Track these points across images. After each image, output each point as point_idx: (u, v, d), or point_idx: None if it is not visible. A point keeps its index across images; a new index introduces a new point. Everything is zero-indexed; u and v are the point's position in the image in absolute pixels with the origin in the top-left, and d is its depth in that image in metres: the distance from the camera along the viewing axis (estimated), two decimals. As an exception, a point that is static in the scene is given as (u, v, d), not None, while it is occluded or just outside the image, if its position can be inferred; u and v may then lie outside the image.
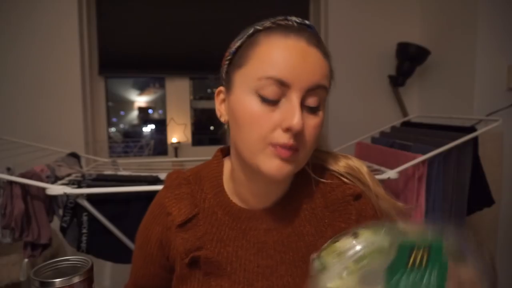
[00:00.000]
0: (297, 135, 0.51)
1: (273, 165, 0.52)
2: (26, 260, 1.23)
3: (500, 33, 1.87)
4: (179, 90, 2.32)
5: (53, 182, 1.30)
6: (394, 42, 2.25)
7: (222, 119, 0.59)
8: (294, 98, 0.50)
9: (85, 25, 2.03)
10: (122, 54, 2.17)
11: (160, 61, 2.22)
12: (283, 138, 0.51)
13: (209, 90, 2.45)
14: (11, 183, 1.19)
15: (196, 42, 2.22)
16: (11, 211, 1.18)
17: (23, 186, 1.21)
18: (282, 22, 0.55)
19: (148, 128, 2.40)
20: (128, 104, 2.38)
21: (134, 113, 2.41)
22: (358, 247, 0.40)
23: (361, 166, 0.64)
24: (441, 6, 2.17)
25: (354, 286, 0.38)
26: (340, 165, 0.64)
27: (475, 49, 1.88)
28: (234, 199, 0.62)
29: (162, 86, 2.33)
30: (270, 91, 0.51)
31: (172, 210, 0.62)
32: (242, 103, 0.53)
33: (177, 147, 2.31)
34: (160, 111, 2.40)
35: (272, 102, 0.51)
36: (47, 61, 1.93)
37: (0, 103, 1.89)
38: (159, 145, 2.38)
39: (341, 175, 0.63)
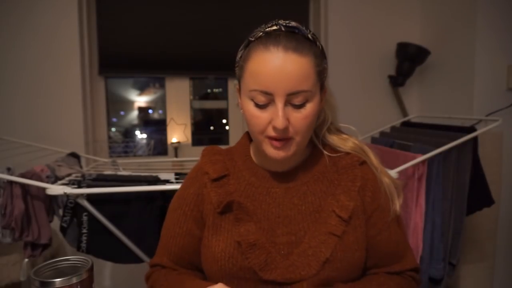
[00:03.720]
0: (286, 129, 0.66)
1: (270, 151, 0.69)
2: (26, 260, 1.23)
3: (500, 33, 1.87)
4: (179, 90, 2.32)
5: (53, 182, 1.30)
6: (394, 42, 2.26)
7: (240, 110, 0.74)
8: (277, 103, 0.65)
9: (85, 25, 2.03)
10: (122, 54, 2.17)
11: (160, 61, 2.22)
12: (273, 133, 0.67)
13: (209, 90, 2.45)
14: (11, 183, 1.19)
15: (196, 42, 2.22)
16: (11, 211, 1.18)
17: (23, 186, 1.21)
18: (271, 29, 0.66)
19: (143, 134, 2.39)
20: (128, 104, 2.38)
21: (134, 113, 2.41)
22: None
23: (363, 146, 0.80)
24: (441, 6, 2.17)
25: None
26: (347, 146, 0.80)
27: (475, 49, 1.88)
28: (260, 165, 0.77)
29: (162, 86, 2.33)
30: (259, 99, 0.66)
31: (209, 169, 0.77)
32: (245, 105, 0.69)
33: (177, 147, 2.31)
34: (160, 111, 2.40)
35: (262, 106, 0.66)
36: (47, 61, 1.93)
37: (0, 103, 1.89)
38: (159, 145, 2.38)
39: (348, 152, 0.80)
